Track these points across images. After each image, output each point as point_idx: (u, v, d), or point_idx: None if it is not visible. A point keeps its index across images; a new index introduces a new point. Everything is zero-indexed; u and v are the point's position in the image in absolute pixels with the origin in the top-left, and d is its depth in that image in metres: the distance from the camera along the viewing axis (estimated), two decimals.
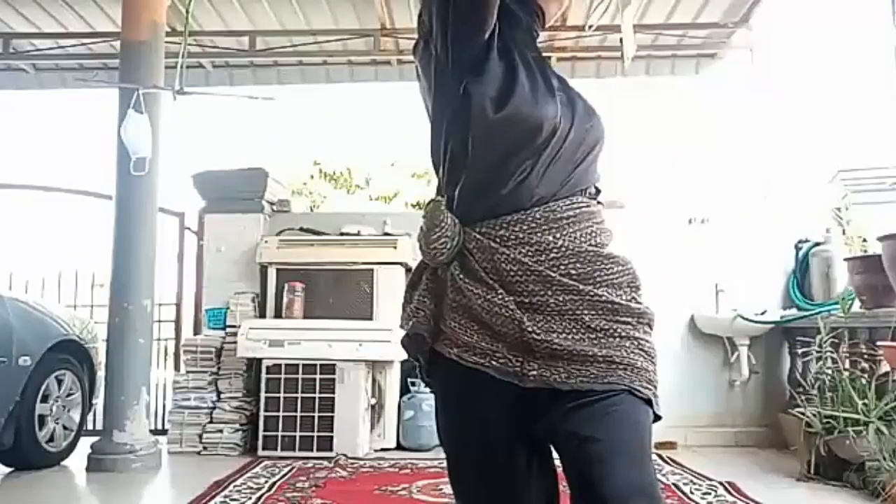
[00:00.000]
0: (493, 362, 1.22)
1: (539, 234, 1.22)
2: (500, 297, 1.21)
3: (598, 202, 1.33)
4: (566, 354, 1.18)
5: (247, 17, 5.90)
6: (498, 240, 1.23)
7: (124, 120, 4.12)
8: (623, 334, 1.22)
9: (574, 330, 1.20)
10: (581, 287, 1.21)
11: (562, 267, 1.22)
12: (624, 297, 1.24)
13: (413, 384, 4.75)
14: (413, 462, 4.27)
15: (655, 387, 1.23)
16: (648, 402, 1.22)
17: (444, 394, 1.35)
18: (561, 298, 1.21)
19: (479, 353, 1.23)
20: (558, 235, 1.23)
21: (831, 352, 3.89)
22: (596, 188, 1.34)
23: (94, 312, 5.43)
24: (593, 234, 1.26)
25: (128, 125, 4.10)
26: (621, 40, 4.91)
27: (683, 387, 4.94)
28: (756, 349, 4.91)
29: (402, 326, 1.37)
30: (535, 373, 1.19)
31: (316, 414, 4.51)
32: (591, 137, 1.31)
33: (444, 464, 1.37)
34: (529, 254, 1.22)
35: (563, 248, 1.22)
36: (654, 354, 1.26)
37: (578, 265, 1.22)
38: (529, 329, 1.19)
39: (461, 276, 1.25)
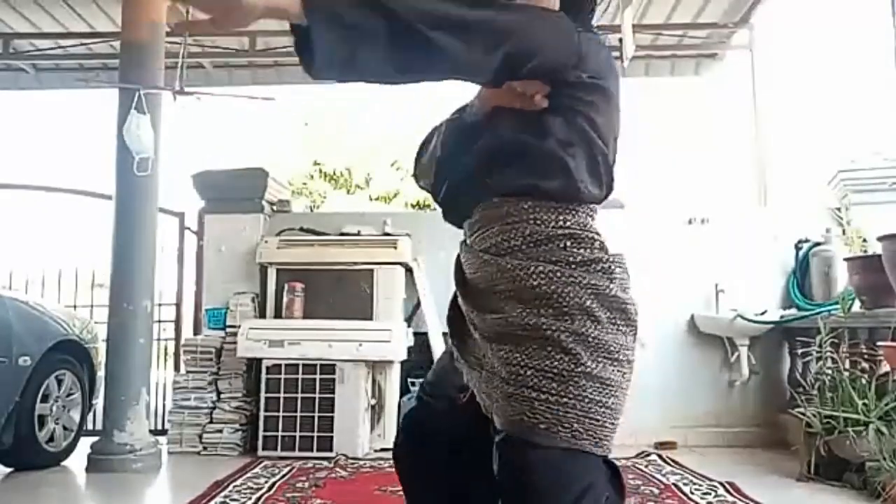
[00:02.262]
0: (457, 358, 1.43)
1: (465, 247, 1.41)
2: (455, 302, 1.43)
3: (522, 197, 1.30)
4: (476, 364, 1.36)
5: None
6: (463, 248, 1.45)
7: (127, 120, 4.12)
8: (489, 364, 1.33)
9: (480, 339, 1.35)
10: (481, 302, 1.34)
11: (474, 279, 1.38)
12: (521, 310, 1.29)
13: (413, 384, 4.75)
14: None
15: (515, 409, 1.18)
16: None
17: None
18: (469, 307, 1.37)
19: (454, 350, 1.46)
20: (473, 247, 1.38)
21: (831, 352, 3.89)
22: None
23: (94, 312, 5.44)
24: (487, 237, 1.37)
25: (130, 125, 4.10)
26: (620, 40, 4.92)
27: (683, 387, 4.94)
28: (756, 349, 4.91)
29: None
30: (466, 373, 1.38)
31: (316, 414, 4.51)
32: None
33: None
34: (463, 265, 1.41)
35: (459, 256, 1.43)
36: (516, 375, 1.20)
37: (458, 272, 1.42)
38: (452, 334, 1.45)
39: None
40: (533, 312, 1.20)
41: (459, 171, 1.38)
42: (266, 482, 3.71)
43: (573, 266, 1.23)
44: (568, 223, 1.28)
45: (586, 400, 1.14)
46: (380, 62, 1.09)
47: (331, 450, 4.43)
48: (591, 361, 1.16)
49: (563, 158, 1.28)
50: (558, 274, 1.21)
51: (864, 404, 3.37)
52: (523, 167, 1.29)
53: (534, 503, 1.11)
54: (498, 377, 1.19)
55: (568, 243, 1.26)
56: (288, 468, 4.06)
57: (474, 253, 1.32)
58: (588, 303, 1.19)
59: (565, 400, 1.14)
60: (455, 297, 1.40)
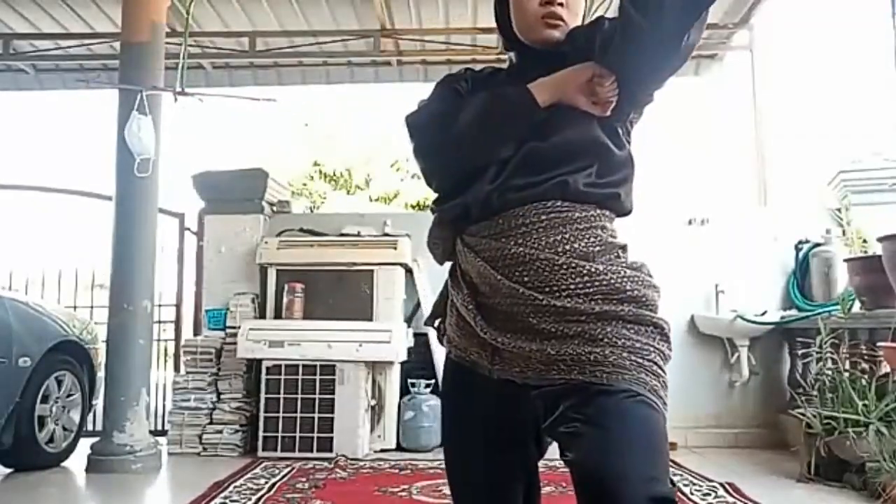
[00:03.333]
0: (470, 356, 1.35)
1: (496, 241, 1.29)
2: (466, 297, 1.32)
3: (590, 205, 1.30)
4: (516, 351, 1.26)
5: (247, 17, 5.90)
6: (468, 247, 1.33)
7: (128, 122, 4.12)
8: (571, 333, 1.22)
9: (521, 331, 1.25)
10: (526, 292, 1.24)
11: (515, 274, 1.26)
12: (579, 303, 1.23)
13: (413, 385, 4.75)
14: (413, 463, 4.27)
15: (618, 370, 1.19)
16: (626, 390, 1.18)
17: (443, 385, 1.49)
18: (507, 302, 1.26)
19: (461, 348, 1.37)
20: (513, 243, 1.27)
21: (831, 353, 3.89)
22: (596, 192, 1.30)
23: (93, 313, 5.44)
24: (562, 242, 1.26)
25: (132, 126, 4.10)
26: None
27: (683, 387, 4.92)
28: (756, 350, 4.91)
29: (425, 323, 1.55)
30: (498, 367, 1.30)
31: (316, 415, 4.51)
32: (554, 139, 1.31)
33: (444, 464, 1.47)
34: (487, 260, 1.29)
35: (516, 256, 1.26)
36: (610, 342, 1.21)
37: (531, 272, 1.25)
38: (481, 327, 1.29)
39: (450, 279, 1.40)
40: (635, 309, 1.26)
41: (523, 163, 1.29)
42: (266, 483, 3.71)
43: (637, 271, 1.30)
44: (616, 233, 1.34)
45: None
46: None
47: (331, 450, 4.43)
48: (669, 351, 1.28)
49: (630, 172, 1.35)
50: (639, 278, 1.28)
51: (865, 405, 3.38)
52: (603, 173, 1.31)
53: (661, 442, 1.19)
54: (591, 340, 1.22)
55: (620, 252, 1.32)
56: (288, 469, 4.06)
57: (532, 251, 1.26)
58: (659, 303, 1.30)
59: (664, 380, 1.24)
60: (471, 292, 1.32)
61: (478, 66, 1.56)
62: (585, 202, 1.29)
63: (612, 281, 1.24)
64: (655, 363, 1.23)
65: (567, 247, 1.26)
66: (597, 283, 1.24)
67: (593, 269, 1.24)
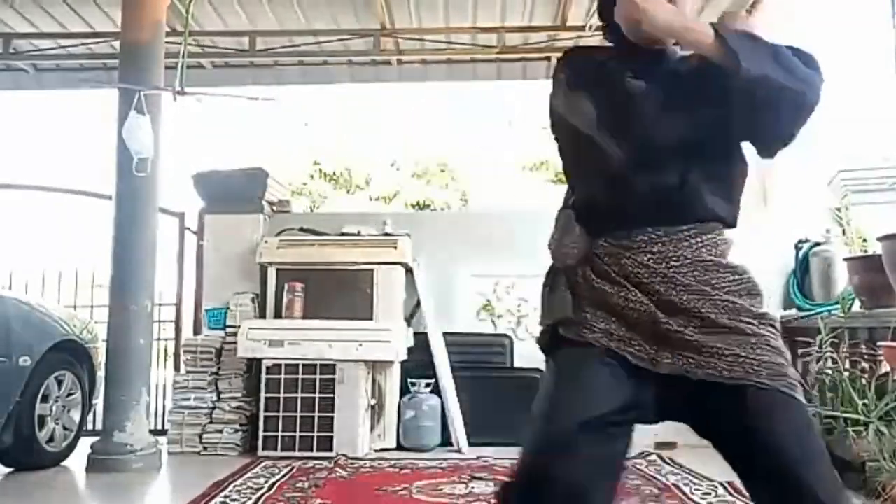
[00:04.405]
0: (630, 349, 1.35)
1: (660, 245, 1.38)
2: (633, 294, 1.36)
3: (726, 222, 1.46)
4: (696, 346, 1.31)
5: (247, 17, 5.90)
6: (623, 247, 1.39)
7: (127, 121, 4.12)
8: (748, 331, 1.33)
9: (701, 325, 1.33)
10: (703, 288, 1.35)
11: (683, 272, 1.36)
12: (744, 301, 1.37)
13: (413, 384, 4.75)
14: (413, 462, 4.27)
15: (789, 377, 1.32)
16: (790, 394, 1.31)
17: (569, 367, 1.40)
18: (685, 297, 1.34)
19: (617, 339, 1.36)
20: (678, 247, 1.38)
21: (831, 352, 3.89)
22: (716, 211, 1.43)
23: (94, 313, 5.44)
24: (714, 245, 1.41)
25: (130, 126, 4.10)
26: None
27: None
28: None
29: (543, 321, 1.51)
30: (668, 361, 1.33)
31: (316, 414, 4.51)
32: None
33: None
34: (652, 260, 1.37)
35: (683, 258, 1.37)
36: (782, 349, 1.36)
37: (697, 272, 1.37)
38: (663, 321, 1.33)
39: (595, 277, 1.41)
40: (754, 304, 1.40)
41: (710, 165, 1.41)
42: (266, 482, 3.71)
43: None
44: None
45: None
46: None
47: (331, 450, 4.43)
48: None
49: None
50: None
51: (864, 404, 3.38)
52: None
53: (823, 449, 1.32)
54: (766, 347, 1.34)
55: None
56: (288, 468, 4.06)
57: (703, 253, 1.40)
58: None
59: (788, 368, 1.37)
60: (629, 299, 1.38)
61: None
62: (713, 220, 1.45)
63: (751, 279, 1.41)
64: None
65: (717, 250, 1.41)
66: (744, 282, 1.40)
67: (738, 269, 1.41)
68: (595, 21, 5.47)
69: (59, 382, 4.33)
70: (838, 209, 5.04)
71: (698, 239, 1.39)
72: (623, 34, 1.46)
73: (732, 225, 1.47)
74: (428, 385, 4.74)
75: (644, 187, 1.37)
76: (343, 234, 5.06)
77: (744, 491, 3.54)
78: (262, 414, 4.56)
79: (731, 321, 1.33)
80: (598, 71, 1.44)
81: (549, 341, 1.46)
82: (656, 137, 1.36)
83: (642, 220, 1.39)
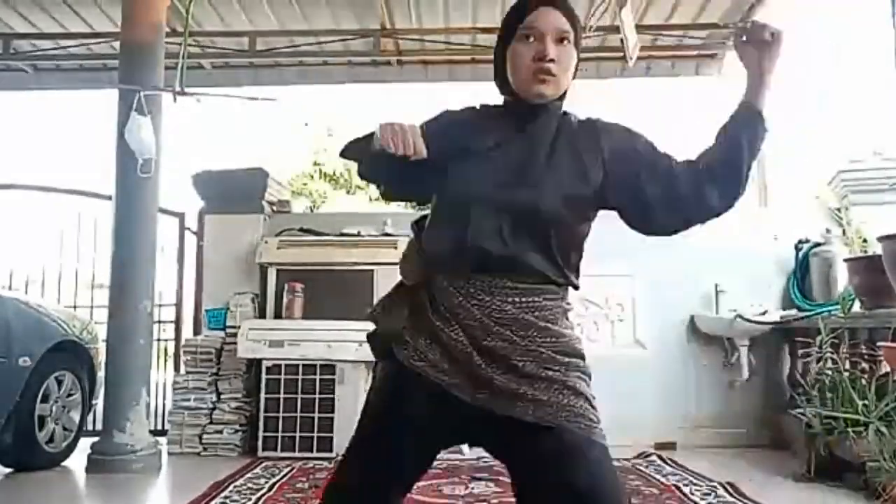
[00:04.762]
0: (453, 381, 1.42)
1: (489, 297, 1.43)
2: (457, 333, 1.43)
3: (558, 283, 1.46)
4: (506, 389, 1.39)
5: (247, 17, 5.90)
6: (457, 289, 1.44)
7: (128, 122, 4.12)
8: (554, 378, 1.40)
9: (509, 371, 1.40)
10: (514, 338, 1.41)
11: (502, 323, 1.42)
12: (552, 352, 1.42)
13: None
14: None
15: (587, 418, 1.39)
16: (599, 443, 1.39)
17: (391, 381, 1.52)
18: (498, 344, 1.41)
19: (444, 371, 1.43)
20: (504, 301, 1.43)
21: (831, 352, 3.89)
22: (562, 271, 1.46)
23: (93, 313, 5.44)
24: (538, 307, 1.44)
25: (132, 127, 4.10)
26: (621, 41, 4.92)
27: (683, 387, 4.94)
28: (756, 350, 4.91)
29: (371, 316, 1.60)
30: (482, 397, 1.40)
31: (316, 414, 4.51)
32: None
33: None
34: (477, 307, 1.43)
35: (505, 311, 1.42)
36: (585, 394, 1.42)
37: (515, 328, 1.42)
38: (478, 362, 1.40)
39: (430, 308, 1.47)
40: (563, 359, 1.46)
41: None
42: (266, 483, 3.71)
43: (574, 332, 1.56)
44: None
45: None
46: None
47: (331, 450, 4.43)
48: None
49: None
50: (579, 339, 1.53)
51: (865, 405, 3.38)
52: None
53: (615, 484, 1.40)
54: (571, 391, 1.41)
55: (568, 316, 1.56)
56: (288, 469, 4.06)
57: (526, 312, 1.45)
58: None
59: (589, 410, 1.44)
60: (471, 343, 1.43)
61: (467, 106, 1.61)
62: (551, 281, 1.47)
63: (569, 343, 1.46)
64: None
65: (542, 314, 1.45)
66: (561, 344, 1.44)
67: (559, 333, 1.45)
68: (594, 21, 5.48)
69: (59, 382, 4.34)
70: (838, 209, 5.04)
71: (523, 299, 1.43)
72: (511, 90, 1.50)
73: (566, 285, 1.49)
74: None
75: (478, 241, 1.41)
76: (343, 234, 5.06)
77: (744, 491, 3.55)
78: (261, 414, 4.56)
79: (538, 370, 1.40)
80: (463, 125, 1.51)
81: (382, 351, 1.53)
82: (494, 196, 1.41)
83: (476, 269, 1.43)
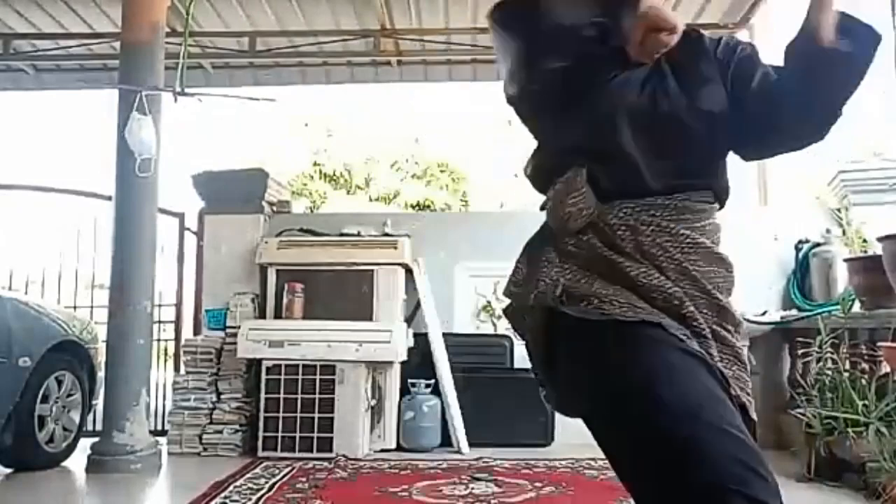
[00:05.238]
0: (663, 320, 1.22)
1: (675, 224, 1.27)
2: (654, 274, 1.25)
3: (708, 201, 1.34)
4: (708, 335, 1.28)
5: (247, 17, 5.90)
6: (641, 223, 1.26)
7: (129, 122, 4.12)
8: (727, 342, 1.32)
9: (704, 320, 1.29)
10: (703, 284, 1.29)
11: (692, 261, 1.28)
12: (727, 302, 1.34)
13: (413, 385, 4.75)
14: (413, 463, 4.27)
15: (748, 393, 1.34)
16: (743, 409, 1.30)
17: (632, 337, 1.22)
18: (689, 291, 1.27)
19: (646, 312, 1.22)
20: (689, 227, 1.28)
21: (831, 352, 3.89)
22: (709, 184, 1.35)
23: (93, 313, 5.44)
24: (713, 231, 1.33)
25: (132, 127, 4.11)
26: None
27: None
28: (756, 350, 4.87)
29: (515, 287, 1.36)
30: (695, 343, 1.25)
31: (316, 415, 4.51)
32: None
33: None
34: (669, 243, 1.26)
35: (692, 242, 1.28)
36: (746, 362, 1.37)
37: (701, 262, 1.29)
38: (687, 307, 1.25)
39: (607, 250, 1.26)
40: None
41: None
42: (266, 483, 3.71)
43: None
44: None
45: None
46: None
47: (331, 450, 4.43)
48: None
49: None
50: None
51: (865, 405, 3.37)
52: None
53: None
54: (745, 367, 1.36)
55: None
56: (288, 469, 4.06)
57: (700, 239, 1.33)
58: None
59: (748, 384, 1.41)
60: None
61: None
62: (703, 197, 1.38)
63: (732, 274, 1.40)
64: None
65: (715, 237, 1.36)
66: (728, 280, 1.39)
67: (728, 265, 1.39)
68: None
69: (59, 383, 4.33)
70: (838, 209, 5.04)
71: (703, 221, 1.31)
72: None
73: (721, 205, 1.39)
74: (428, 386, 4.74)
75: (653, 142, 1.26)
76: (343, 234, 5.06)
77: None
78: (261, 414, 4.56)
79: (716, 327, 1.30)
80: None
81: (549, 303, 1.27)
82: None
83: (653, 180, 1.26)
